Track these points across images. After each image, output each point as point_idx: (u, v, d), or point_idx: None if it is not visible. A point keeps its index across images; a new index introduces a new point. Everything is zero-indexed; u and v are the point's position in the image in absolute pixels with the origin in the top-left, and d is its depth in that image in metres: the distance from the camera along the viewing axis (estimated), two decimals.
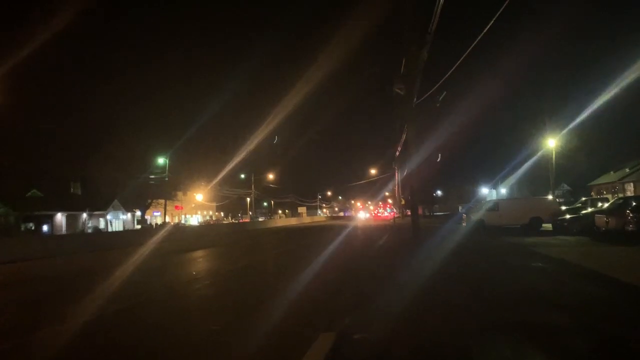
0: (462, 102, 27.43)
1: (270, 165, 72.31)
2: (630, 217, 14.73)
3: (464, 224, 25.09)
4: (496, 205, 24.27)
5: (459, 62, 12.89)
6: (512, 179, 51.52)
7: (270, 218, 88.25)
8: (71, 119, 50.29)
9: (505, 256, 12.05)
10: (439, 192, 71.49)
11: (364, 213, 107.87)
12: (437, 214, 62.91)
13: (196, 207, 76.42)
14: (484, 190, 64.67)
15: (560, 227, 19.69)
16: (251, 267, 12.78)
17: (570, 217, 20.01)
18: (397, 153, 38.78)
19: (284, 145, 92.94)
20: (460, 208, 57.75)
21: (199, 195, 65.59)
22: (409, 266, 10.57)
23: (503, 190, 57.66)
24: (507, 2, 9.90)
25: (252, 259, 15.07)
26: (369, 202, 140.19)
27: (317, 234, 29.83)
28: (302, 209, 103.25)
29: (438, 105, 19.13)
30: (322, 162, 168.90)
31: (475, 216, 24.19)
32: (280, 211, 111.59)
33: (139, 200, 48.38)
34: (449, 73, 13.81)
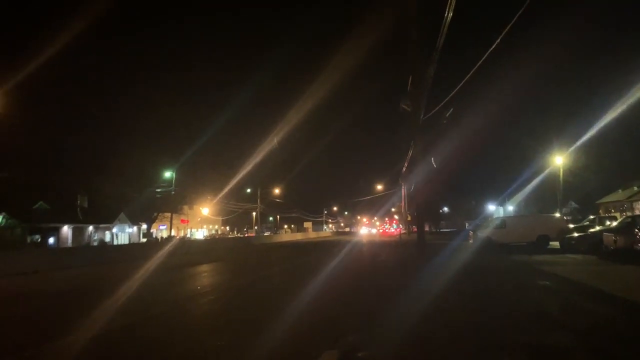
0: (469, 118, 27.45)
1: (276, 179, 72.60)
2: (639, 236, 14.60)
3: (470, 241, 24.93)
4: (503, 223, 24.15)
5: (466, 78, 12.99)
6: (520, 196, 51.27)
7: (276, 233, 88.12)
8: (79, 133, 50.96)
9: (512, 274, 11.98)
10: (445, 209, 71.09)
11: (369, 229, 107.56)
12: (444, 230, 62.51)
13: (202, 221, 76.54)
14: (491, 207, 64.32)
15: (568, 245, 19.52)
16: (257, 283, 12.76)
17: (578, 235, 19.83)
18: (404, 169, 38.81)
19: (290, 160, 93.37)
20: (467, 225, 57.41)
21: (205, 209, 65.75)
22: (415, 284, 10.54)
23: (510, 208, 57.32)
24: (514, 19, 10.02)
25: (258, 274, 15.06)
26: (375, 218, 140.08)
27: (322, 250, 29.76)
28: (307, 224, 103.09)
29: (445, 122, 19.21)
30: (328, 177, 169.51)
31: (483, 233, 24.03)
32: (285, 226, 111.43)
33: (145, 214, 48.52)
34: (455, 90, 13.92)
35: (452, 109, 18.48)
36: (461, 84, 12.93)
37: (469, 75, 12.47)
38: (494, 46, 10.39)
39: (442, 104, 17.53)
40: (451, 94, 14.58)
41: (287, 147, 72.04)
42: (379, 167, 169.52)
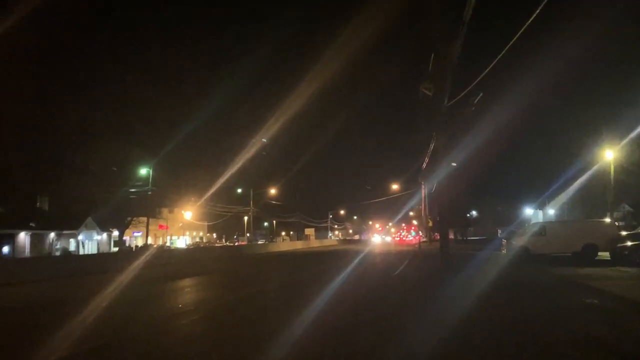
0: (501, 105, 27.30)
1: (273, 178, 72.46)
2: None
3: (503, 251, 24.91)
4: (543, 229, 24.12)
5: (499, 57, 12.93)
6: (562, 197, 51.11)
7: (272, 241, 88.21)
8: (39, 127, 50.92)
9: (554, 292, 11.92)
10: (473, 213, 71.06)
11: (382, 236, 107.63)
12: (472, 238, 62.44)
13: (184, 227, 76.82)
14: (528, 211, 64.20)
15: (620, 256, 19.42)
16: (248, 300, 12.75)
17: (632, 245, 19.74)
18: (424, 165, 38.75)
19: (290, 155, 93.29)
20: (499, 232, 57.31)
21: (188, 212, 65.97)
22: (437, 303, 10.49)
23: (551, 211, 57.18)
24: None
25: (250, 290, 15.05)
26: (390, 224, 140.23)
27: (327, 261, 29.75)
28: (309, 231, 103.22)
29: (473, 108, 19.19)
30: (334, 175, 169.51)
31: (518, 242, 24.03)
32: (283, 233, 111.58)
33: (116, 218, 48.67)
34: (486, 71, 13.85)
35: (481, 94, 18.47)
36: (493, 62, 12.86)
37: (503, 52, 12.40)
38: (533, 16, 10.31)
39: (469, 87, 17.50)
40: (481, 76, 14.51)
41: (286, 140, 72.00)
42: (394, 163, 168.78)
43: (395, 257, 31.15)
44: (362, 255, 33.53)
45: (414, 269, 21.59)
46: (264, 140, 47.99)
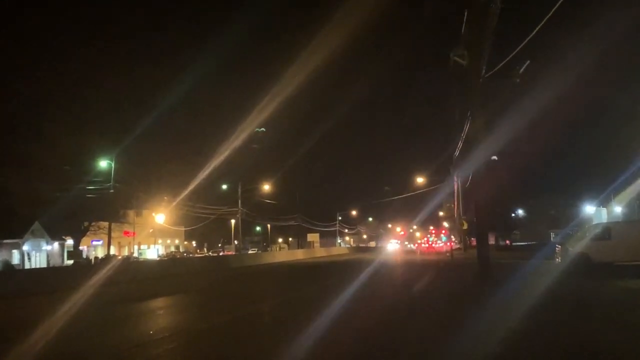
0: (553, 77, 27.05)
1: (268, 172, 72.21)
2: None
3: (557, 260, 24.89)
4: (607, 232, 24.07)
5: (550, 14, 12.79)
6: (632, 192, 50.82)
7: (266, 250, 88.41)
8: None
9: (624, 313, 11.82)
10: (520, 212, 70.94)
11: (397, 242, 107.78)
12: (518, 244, 62.37)
13: (155, 234, 76.93)
14: (589, 210, 63.95)
15: None
16: (235, 325, 12.75)
17: None
18: (457, 153, 38.63)
19: (287, 143, 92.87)
20: (552, 236, 57.20)
21: (160, 215, 65.80)
22: (471, 329, 10.34)
23: (618, 209, 56.92)
24: None
25: (237, 313, 15.06)
26: (414, 226, 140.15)
27: (333, 275, 29.75)
28: (313, 237, 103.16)
29: (518, 81, 19.06)
30: (344, 168, 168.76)
31: (576, 248, 24.00)
32: (280, 240, 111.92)
33: (71, 224, 48.80)
34: (535, 30, 13.70)
35: (528, 62, 18.35)
36: (545, 19, 12.71)
37: (555, 8, 12.26)
38: None
39: (513, 53, 17.37)
40: (528, 37, 14.38)
41: (285, 123, 71.65)
42: (419, 150, 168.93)
43: (420, 270, 31.08)
44: (377, 265, 33.53)
45: (441, 283, 21.53)
46: (261, 130, 47.73)
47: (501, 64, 18.19)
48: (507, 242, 61.47)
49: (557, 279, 18.94)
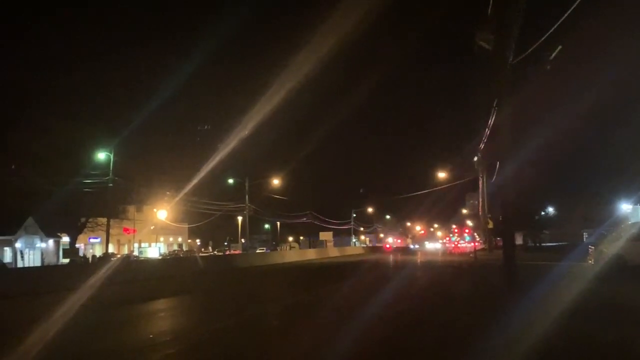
0: (587, 63, 26.86)
1: (277, 166, 72.17)
2: None
3: (591, 262, 24.70)
4: None
5: None
6: None
7: (275, 249, 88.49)
8: None
9: None
10: (550, 210, 70.41)
11: (413, 243, 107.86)
12: (547, 244, 61.99)
13: (157, 231, 77.28)
14: (625, 207, 63.45)
15: None
16: (242, 328, 12.79)
17: None
18: (482, 145, 38.47)
19: (299, 137, 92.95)
20: (585, 236, 56.76)
21: (162, 211, 66.11)
22: (491, 345, 10.20)
23: None
24: None
25: (243, 316, 15.09)
26: (435, 225, 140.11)
27: (344, 277, 29.73)
28: (326, 235, 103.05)
29: (548, 68, 18.91)
30: (359, 162, 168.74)
31: (610, 249, 23.77)
32: (291, 238, 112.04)
33: (66, 220, 49.04)
34: (569, 11, 13.57)
35: (560, 47, 18.19)
36: (577, 1, 12.59)
37: None
38: None
39: (543, 37, 17.23)
40: (560, 20, 14.26)
41: (295, 113, 71.49)
42: (442, 142, 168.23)
43: (440, 271, 31.00)
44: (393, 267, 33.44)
45: (460, 290, 21.42)
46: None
47: (530, 49, 18.02)
48: (533, 242, 61.15)
49: (590, 284, 18.74)
